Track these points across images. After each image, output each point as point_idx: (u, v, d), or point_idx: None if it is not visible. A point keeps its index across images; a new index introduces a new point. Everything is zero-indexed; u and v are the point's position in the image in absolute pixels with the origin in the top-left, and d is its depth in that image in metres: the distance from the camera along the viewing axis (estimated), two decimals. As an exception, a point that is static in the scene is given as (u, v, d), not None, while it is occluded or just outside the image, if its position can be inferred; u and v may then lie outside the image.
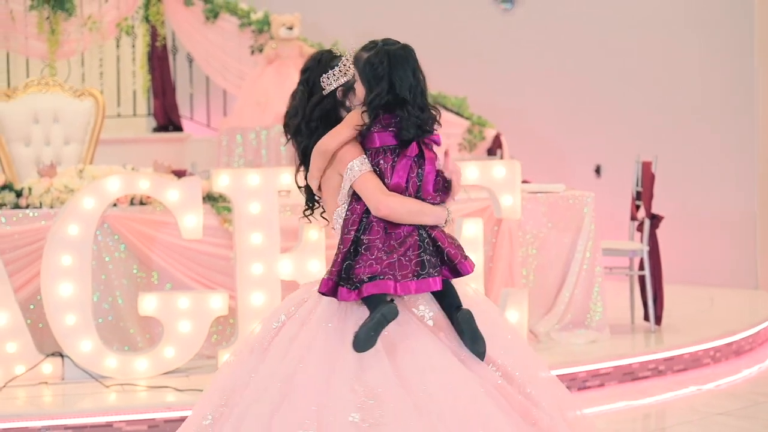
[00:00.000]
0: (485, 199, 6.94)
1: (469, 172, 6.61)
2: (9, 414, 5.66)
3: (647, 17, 10.39)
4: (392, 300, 3.52)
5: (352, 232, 3.59)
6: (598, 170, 10.45)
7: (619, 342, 7.19)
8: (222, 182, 6.31)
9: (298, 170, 3.79)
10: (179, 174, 6.66)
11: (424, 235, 3.60)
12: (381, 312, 3.46)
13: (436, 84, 9.93)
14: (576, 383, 6.59)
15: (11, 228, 6.35)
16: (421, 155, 3.60)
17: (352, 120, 3.62)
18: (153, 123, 10.51)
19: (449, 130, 9.81)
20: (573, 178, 9.59)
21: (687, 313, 8.15)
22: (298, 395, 3.42)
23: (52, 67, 9.39)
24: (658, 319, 7.52)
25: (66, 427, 5.65)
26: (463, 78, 10.41)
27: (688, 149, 10.23)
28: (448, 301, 3.61)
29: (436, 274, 3.59)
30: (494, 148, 9.64)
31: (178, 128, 10.42)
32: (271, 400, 3.43)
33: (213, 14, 9.95)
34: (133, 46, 10.41)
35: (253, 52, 9.96)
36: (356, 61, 3.64)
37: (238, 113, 9.87)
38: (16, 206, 6.48)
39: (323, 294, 3.59)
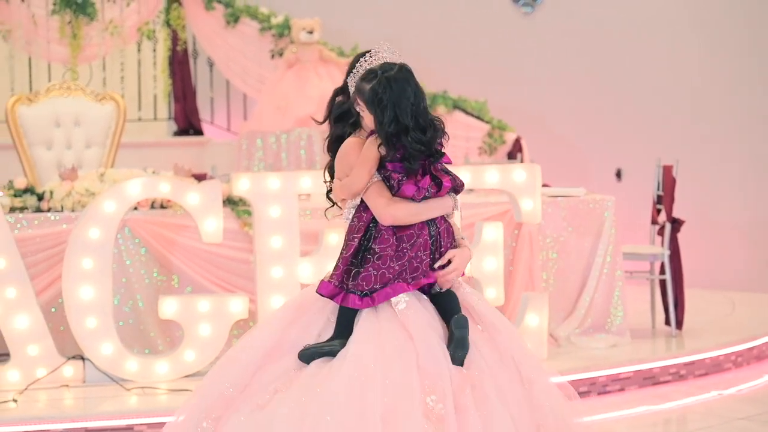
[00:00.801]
0: (505, 202, 6.93)
1: (489, 176, 6.61)
2: (30, 417, 5.69)
3: (669, 21, 10.36)
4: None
5: (356, 239, 3.64)
6: (618, 174, 10.43)
7: (640, 346, 7.17)
8: (242, 186, 6.32)
9: (327, 165, 3.85)
10: (199, 178, 6.67)
11: (434, 233, 3.66)
12: (332, 348, 3.56)
13: (456, 88, 9.98)
14: (596, 387, 6.57)
15: (33, 231, 6.38)
16: (435, 182, 3.64)
17: (372, 153, 3.63)
18: (173, 127, 10.54)
19: (469, 133, 9.81)
20: (593, 182, 9.57)
21: (708, 318, 8.11)
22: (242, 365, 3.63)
23: (73, 71, 9.43)
24: (679, 324, 7.49)
25: (87, 430, 5.67)
26: (483, 82, 10.40)
27: (709, 153, 10.19)
28: (446, 306, 3.64)
29: (434, 268, 3.67)
30: (514, 152, 9.63)
31: (199, 132, 10.45)
32: None
33: (233, 18, 9.98)
34: (154, 50, 10.45)
35: (273, 56, 9.98)
36: (359, 92, 3.66)
37: (258, 117, 9.89)
38: (38, 209, 6.51)
39: (322, 296, 3.64)
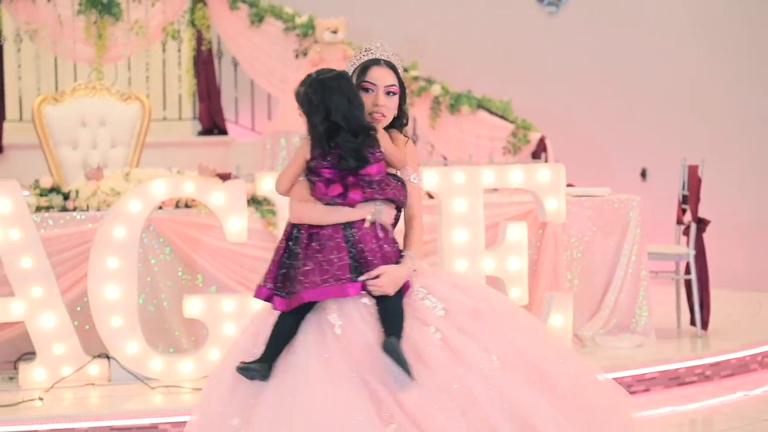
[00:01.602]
0: (530, 202, 6.92)
1: (514, 176, 6.59)
2: (56, 415, 5.72)
3: (694, 20, 10.31)
4: (271, 367, 3.48)
5: (283, 242, 3.59)
6: (644, 174, 10.38)
7: (665, 346, 7.14)
8: (266, 185, 6.34)
9: None
10: (224, 177, 6.69)
11: (350, 237, 3.54)
12: (255, 370, 3.47)
13: (480, 87, 9.96)
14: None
15: (59, 230, 6.41)
16: (344, 192, 3.54)
17: (298, 156, 3.62)
18: (198, 126, 10.56)
19: (494, 133, 9.79)
20: (618, 181, 9.53)
21: (734, 318, 8.08)
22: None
23: (99, 71, 9.47)
24: (705, 324, 7.45)
25: (112, 428, 5.70)
26: (508, 81, 10.38)
27: (735, 153, 10.14)
28: (383, 323, 3.49)
29: (354, 278, 3.50)
30: (539, 152, 9.60)
31: (223, 132, 10.47)
32: None
33: (258, 18, 9.99)
34: (179, 50, 10.47)
35: (297, 56, 9.99)
36: (296, 96, 3.65)
37: (282, 117, 9.91)
38: (64, 209, 6.54)
39: (259, 298, 3.60)
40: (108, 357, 6.24)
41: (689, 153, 8.37)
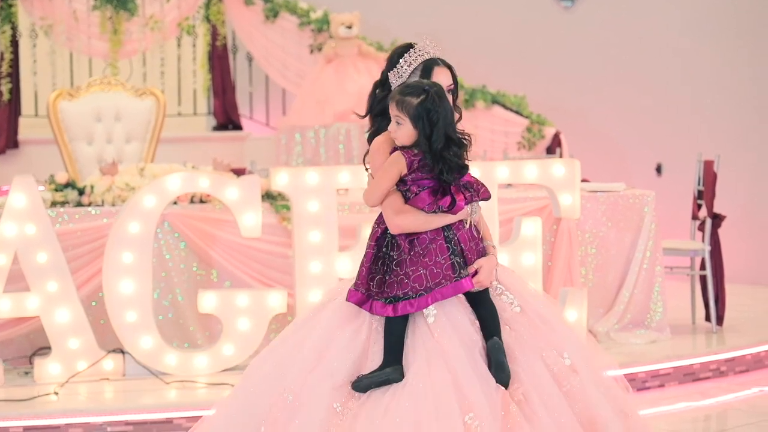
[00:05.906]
0: (544, 198, 6.91)
1: (528, 171, 6.59)
2: (71, 410, 5.74)
3: (710, 16, 10.28)
4: (401, 366, 3.56)
5: (374, 247, 3.67)
6: (659, 169, 10.36)
7: (680, 342, 7.13)
8: (281, 181, 6.34)
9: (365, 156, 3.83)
10: (238, 172, 6.70)
11: (450, 236, 3.65)
12: (388, 376, 3.53)
13: (495, 82, 9.95)
14: (636, 384, 6.53)
15: (74, 225, 6.43)
16: (452, 202, 3.63)
17: (396, 170, 3.64)
18: (213, 122, 10.58)
19: (508, 128, 9.78)
20: (633, 177, 9.51)
21: (749, 314, 8.05)
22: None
23: (114, 66, 9.49)
24: (720, 320, 7.44)
25: (127, 423, 5.71)
26: (523, 76, 10.36)
27: (751, 148, 10.10)
28: (483, 321, 3.63)
29: (466, 274, 3.63)
30: (553, 147, 9.59)
31: (238, 127, 10.48)
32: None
33: (273, 13, 10.00)
34: (194, 45, 10.49)
35: (312, 51, 9.99)
36: (403, 105, 3.61)
37: (297, 112, 9.91)
38: (79, 204, 6.57)
39: (352, 302, 3.66)
40: (123, 352, 6.26)
41: (705, 148, 8.34)
